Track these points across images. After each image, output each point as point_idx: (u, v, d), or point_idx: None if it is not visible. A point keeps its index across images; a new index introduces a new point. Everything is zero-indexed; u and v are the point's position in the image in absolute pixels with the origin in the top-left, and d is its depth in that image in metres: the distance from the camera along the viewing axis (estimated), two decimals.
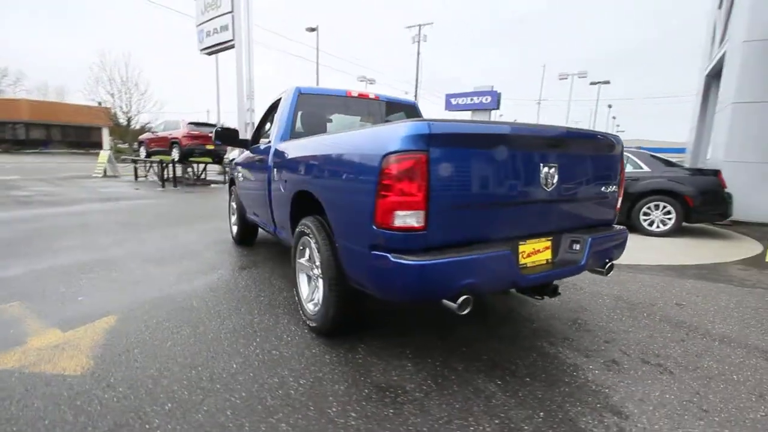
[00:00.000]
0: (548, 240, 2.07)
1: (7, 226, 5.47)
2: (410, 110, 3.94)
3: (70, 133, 34.41)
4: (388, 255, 1.64)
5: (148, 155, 14.40)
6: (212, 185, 13.32)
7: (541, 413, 1.75)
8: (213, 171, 16.03)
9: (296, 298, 2.66)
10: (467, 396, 1.86)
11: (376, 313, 2.78)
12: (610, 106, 47.99)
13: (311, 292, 2.56)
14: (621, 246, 2.38)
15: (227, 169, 14.50)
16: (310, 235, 2.32)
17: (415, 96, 31.23)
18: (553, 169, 1.94)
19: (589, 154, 2.16)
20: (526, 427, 1.66)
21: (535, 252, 2.00)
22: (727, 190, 5.63)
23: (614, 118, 55.61)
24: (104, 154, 14.54)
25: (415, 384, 1.95)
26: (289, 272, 3.68)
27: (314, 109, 3.42)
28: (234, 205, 4.89)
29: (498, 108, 27.95)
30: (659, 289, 3.47)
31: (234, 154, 17.23)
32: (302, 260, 2.62)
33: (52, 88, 45.61)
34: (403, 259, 1.60)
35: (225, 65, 18.76)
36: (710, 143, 8.69)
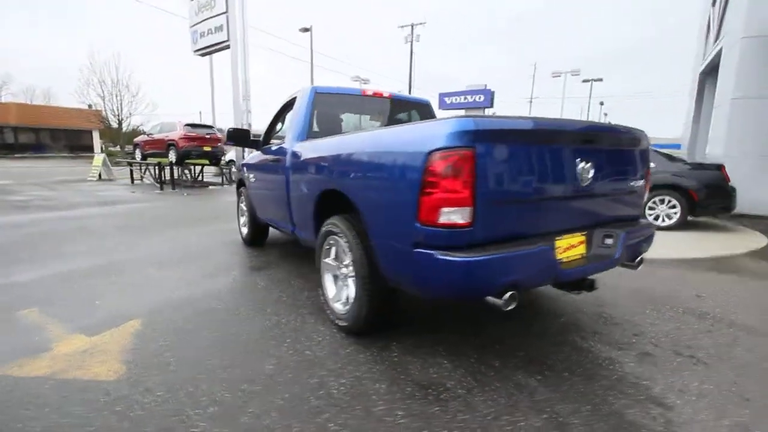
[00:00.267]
0: (582, 235, 2.07)
1: (7, 230, 5.36)
2: (424, 108, 3.94)
3: (59, 137, 33.82)
4: (434, 252, 1.63)
5: (144, 158, 14.23)
6: (210, 187, 13.19)
7: (587, 406, 1.75)
8: (209, 173, 15.87)
9: (321, 298, 2.64)
10: (510, 392, 1.86)
11: (404, 312, 2.77)
12: (602, 104, 48.49)
13: (338, 291, 2.54)
14: (650, 240, 2.40)
15: (224, 170, 14.40)
16: (340, 235, 2.31)
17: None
18: (588, 164, 1.95)
19: (620, 148, 2.17)
20: (575, 421, 1.66)
21: (570, 247, 2.00)
22: (730, 184, 5.70)
23: (606, 114, 56.21)
24: (99, 158, 14.33)
25: (456, 381, 1.94)
26: (307, 272, 3.66)
27: (330, 108, 3.41)
28: (243, 206, 4.85)
29: (492, 106, 28.14)
30: (676, 282, 3.50)
31: (231, 155, 17.12)
32: (328, 260, 2.59)
33: (39, 91, 44.85)
34: (449, 256, 1.59)
35: (218, 66, 18.59)
36: (708, 139, 8.81)
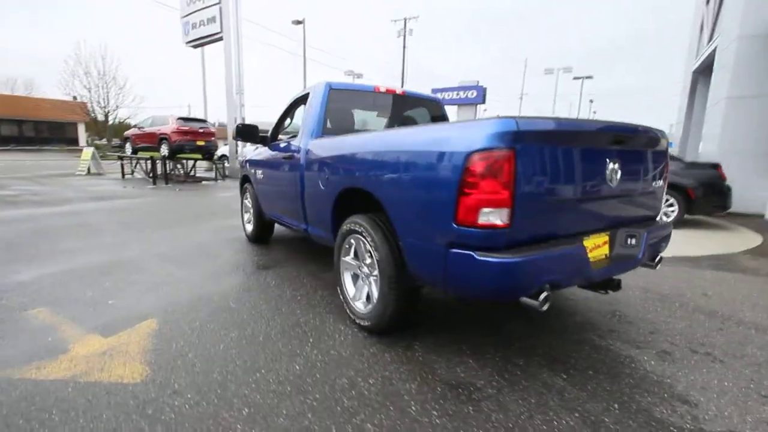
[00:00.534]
0: (606, 235, 2.10)
1: (1, 226, 5.21)
2: (435, 106, 3.93)
3: (43, 129, 32.95)
4: (473, 253, 1.63)
5: (134, 152, 13.96)
6: (203, 182, 13.00)
7: (616, 405, 1.79)
8: (200, 168, 15.64)
9: (341, 297, 2.63)
10: (539, 391, 1.88)
11: (420, 312, 2.77)
12: (591, 101, 49.03)
13: (358, 290, 2.54)
14: (668, 239, 2.44)
15: (217, 165, 14.20)
16: (364, 233, 2.29)
17: None
18: (617, 165, 1.97)
19: (645, 149, 2.20)
20: (606, 420, 1.68)
21: (596, 247, 2.03)
22: (726, 182, 5.83)
23: (595, 112, 56.88)
24: (88, 151, 14.01)
25: (484, 380, 1.96)
26: (316, 270, 3.64)
27: (343, 104, 3.37)
28: (248, 203, 4.80)
29: (484, 102, 28.26)
30: (682, 280, 3.58)
31: (224, 150, 16.89)
32: (347, 258, 2.58)
33: (21, 81, 43.48)
34: (489, 257, 1.60)
35: (209, 59, 18.26)
36: (701, 136, 8.99)
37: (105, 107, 27.99)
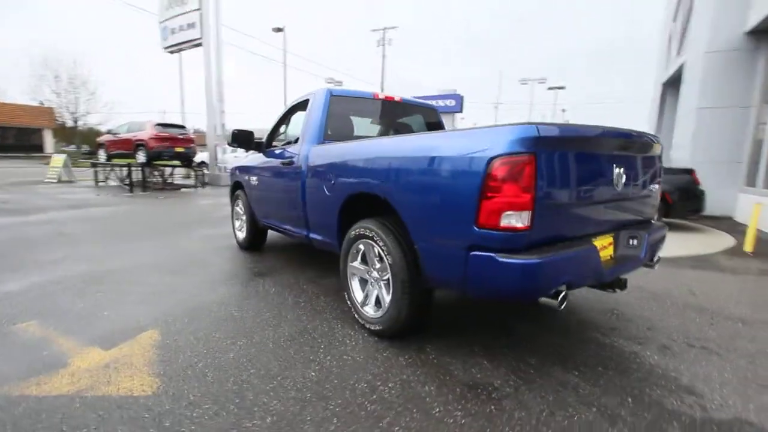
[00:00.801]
0: (611, 236, 2.18)
1: None
2: (431, 113, 4.00)
3: (6, 136, 31.35)
4: (495, 255, 1.67)
5: (109, 158, 13.47)
6: (182, 189, 12.66)
7: (629, 399, 1.85)
8: (177, 175, 15.23)
9: (349, 302, 2.62)
10: (555, 388, 1.93)
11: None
12: (564, 110, 50.76)
13: (366, 295, 2.54)
14: (664, 240, 2.56)
15: (197, 172, 13.85)
16: (375, 238, 2.30)
17: None
18: (622, 169, 2.06)
19: (645, 154, 2.31)
20: (623, 413, 1.74)
21: (603, 248, 2.10)
22: (700, 187, 6.16)
23: (567, 121, 58.95)
24: (59, 158, 13.42)
25: (501, 380, 1.99)
26: (315, 276, 3.61)
27: (343, 111, 3.38)
28: (239, 209, 4.72)
29: (461, 111, 28.89)
30: (668, 280, 3.74)
31: (203, 156, 16.51)
32: (355, 263, 2.58)
33: None
34: (511, 258, 1.64)
35: (186, 65, 17.86)
36: (672, 145, 9.48)
37: (75, 113, 26.93)
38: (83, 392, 1.83)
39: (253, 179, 4.15)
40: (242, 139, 3.80)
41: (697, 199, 6.13)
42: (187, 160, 13.54)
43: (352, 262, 2.60)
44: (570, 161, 1.78)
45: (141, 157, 12.12)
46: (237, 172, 4.68)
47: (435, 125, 4.05)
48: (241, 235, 4.69)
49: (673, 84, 11.30)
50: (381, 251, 2.27)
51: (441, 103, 27.31)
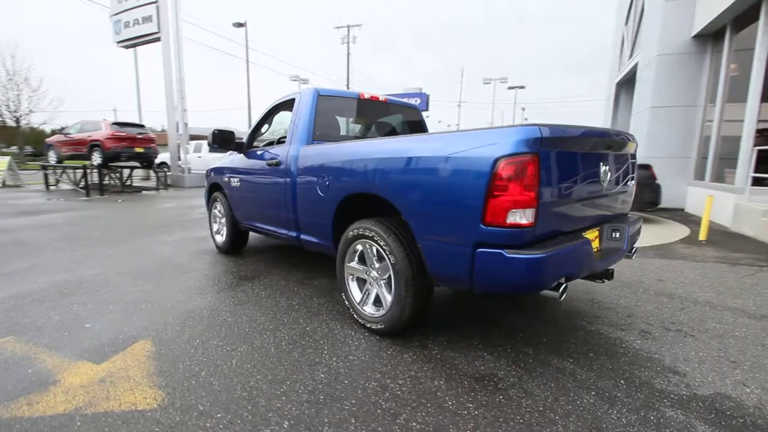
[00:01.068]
0: (597, 230, 2.33)
1: None
2: (413, 112, 4.06)
3: None
4: (502, 251, 1.74)
5: (59, 160, 12.60)
6: (143, 192, 12.07)
7: (622, 381, 1.99)
8: (136, 177, 14.48)
9: (347, 302, 2.63)
10: (554, 375, 2.04)
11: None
12: (523, 109, 52.65)
13: (365, 295, 2.56)
14: (640, 231, 2.75)
15: (159, 174, 13.23)
16: (375, 238, 2.32)
17: None
18: (608, 166, 2.20)
19: (625, 152, 2.48)
20: (619, 395, 1.87)
21: (591, 241, 2.24)
22: (657, 181, 6.62)
23: (526, 119, 61.22)
24: (2, 161, 12.38)
25: (503, 371, 2.08)
26: (303, 278, 3.58)
27: (329, 111, 3.37)
28: (218, 212, 4.58)
29: (427, 109, 29.33)
30: (636, 269, 4.02)
31: (164, 157, 15.75)
32: (353, 264, 2.59)
33: None
34: (518, 254, 1.72)
35: (141, 60, 16.93)
36: None
37: (16, 111, 24.84)
38: (82, 409, 1.74)
39: (235, 180, 4.04)
40: (223, 139, 3.69)
41: (655, 192, 6.59)
42: (147, 161, 12.93)
43: (349, 262, 2.61)
44: (567, 160, 1.89)
45: (97, 158, 11.44)
46: (214, 173, 4.54)
47: (417, 124, 4.11)
48: (220, 238, 4.56)
49: (626, 84, 12.05)
50: (382, 251, 2.30)
51: (407, 101, 27.52)
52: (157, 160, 14.97)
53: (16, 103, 24.67)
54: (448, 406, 1.77)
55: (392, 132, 4.02)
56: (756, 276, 3.83)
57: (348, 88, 32.30)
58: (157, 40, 13.95)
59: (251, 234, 4.63)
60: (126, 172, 12.66)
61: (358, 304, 2.56)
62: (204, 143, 16.04)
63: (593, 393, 1.89)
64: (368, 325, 2.47)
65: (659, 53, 8.20)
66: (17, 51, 28.99)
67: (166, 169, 14.46)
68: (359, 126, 3.96)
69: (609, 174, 2.24)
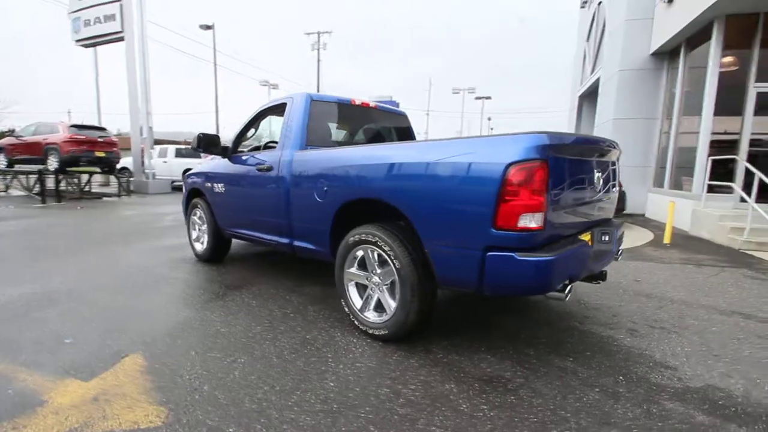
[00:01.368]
0: (589, 233, 2.43)
1: None
2: (402, 119, 4.10)
3: None
4: (514, 254, 1.79)
5: (10, 165, 11.71)
6: (104, 198, 11.41)
7: (621, 377, 2.08)
8: (95, 182, 13.69)
9: (347, 309, 2.60)
10: (558, 374, 2.10)
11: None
12: (489, 119, 54.38)
13: (366, 301, 2.54)
14: (624, 235, 2.90)
15: (121, 180, 12.56)
16: (379, 243, 2.32)
17: None
18: (600, 173, 2.32)
19: (612, 159, 2.62)
20: (620, 390, 1.96)
21: (588, 243, 2.35)
22: (622, 189, 7.00)
23: (492, 129, 63.21)
24: None
25: (510, 372, 2.12)
26: (294, 285, 3.51)
27: (322, 116, 3.34)
28: (198, 219, 4.41)
29: None
30: (613, 270, 4.22)
31: (126, 161, 14.97)
32: (352, 270, 2.57)
33: None
34: (528, 256, 1.77)
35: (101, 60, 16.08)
36: None
37: None
38: (78, 431, 1.61)
39: (218, 186, 3.91)
40: (208, 143, 3.58)
41: (621, 199, 6.96)
42: (109, 166, 12.25)
43: (349, 268, 2.58)
44: (570, 166, 1.97)
45: (53, 162, 10.72)
46: (194, 178, 4.38)
47: (405, 131, 4.16)
48: (200, 246, 4.38)
49: (588, 96, 12.75)
50: (386, 256, 2.30)
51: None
52: (118, 165, 14.26)
53: None
54: (463, 409, 1.79)
55: (379, 138, 4.04)
56: (720, 275, 4.14)
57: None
58: (121, 39, 13.32)
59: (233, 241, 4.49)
60: (84, 177, 11.92)
61: (359, 310, 2.54)
62: (170, 148, 15.39)
63: (597, 390, 1.96)
64: (370, 332, 2.45)
65: (621, 68, 8.77)
66: None
67: (128, 175, 13.75)
68: (348, 131, 3.96)
69: (601, 180, 2.36)
